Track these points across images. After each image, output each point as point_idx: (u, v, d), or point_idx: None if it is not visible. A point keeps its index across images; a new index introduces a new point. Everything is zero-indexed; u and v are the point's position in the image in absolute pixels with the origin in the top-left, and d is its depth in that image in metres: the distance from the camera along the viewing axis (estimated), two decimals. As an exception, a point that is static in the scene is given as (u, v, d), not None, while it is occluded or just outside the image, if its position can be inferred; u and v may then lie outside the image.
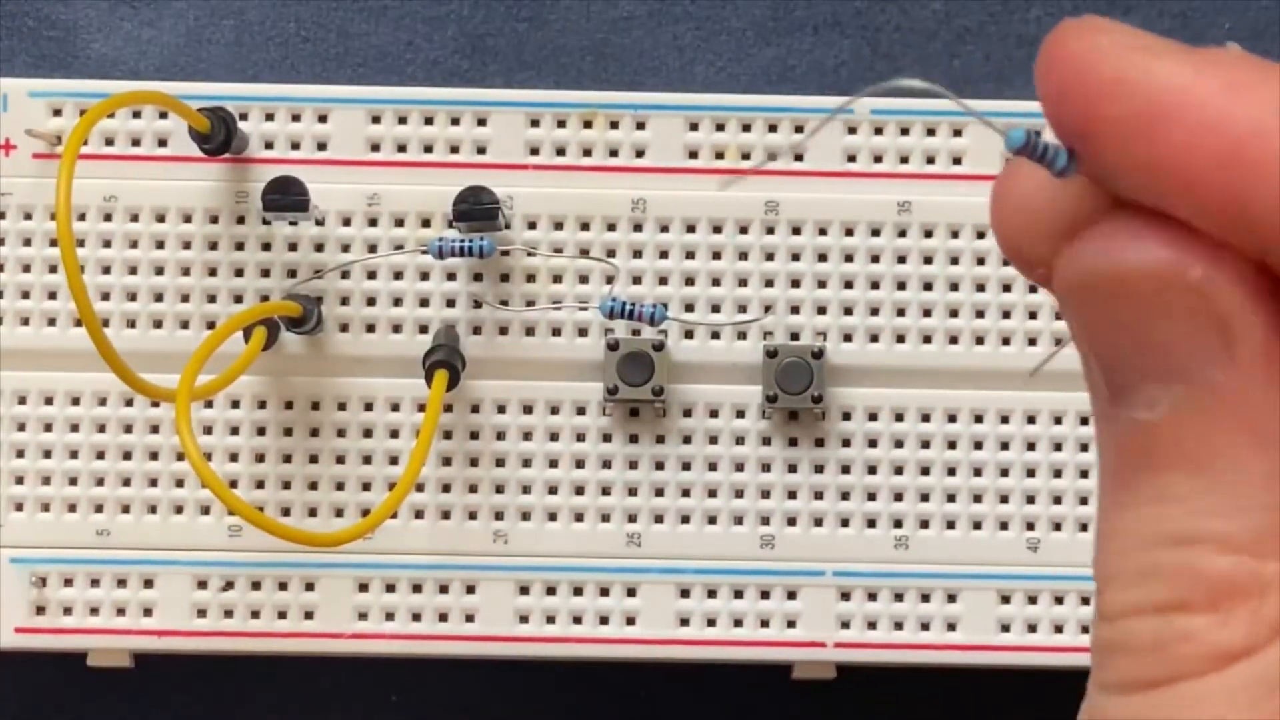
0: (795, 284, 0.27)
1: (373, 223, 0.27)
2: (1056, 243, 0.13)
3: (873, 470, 0.27)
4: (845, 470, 0.27)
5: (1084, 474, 0.27)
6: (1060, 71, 0.12)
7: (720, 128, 0.27)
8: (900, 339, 0.27)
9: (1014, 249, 0.13)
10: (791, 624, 0.26)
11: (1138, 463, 0.13)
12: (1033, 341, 0.27)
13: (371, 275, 0.27)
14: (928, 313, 0.27)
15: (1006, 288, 0.27)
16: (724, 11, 0.30)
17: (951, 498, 0.27)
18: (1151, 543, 0.12)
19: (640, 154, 0.27)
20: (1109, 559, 0.13)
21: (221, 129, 0.26)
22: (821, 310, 0.27)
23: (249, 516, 0.22)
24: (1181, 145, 0.12)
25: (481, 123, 0.27)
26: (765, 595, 0.26)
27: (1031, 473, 0.27)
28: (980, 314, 0.27)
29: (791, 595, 0.26)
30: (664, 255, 0.27)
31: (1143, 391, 0.12)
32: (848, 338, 0.27)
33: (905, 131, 0.27)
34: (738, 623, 0.26)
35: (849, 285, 0.27)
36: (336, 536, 0.24)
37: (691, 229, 0.27)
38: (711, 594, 0.26)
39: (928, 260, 0.27)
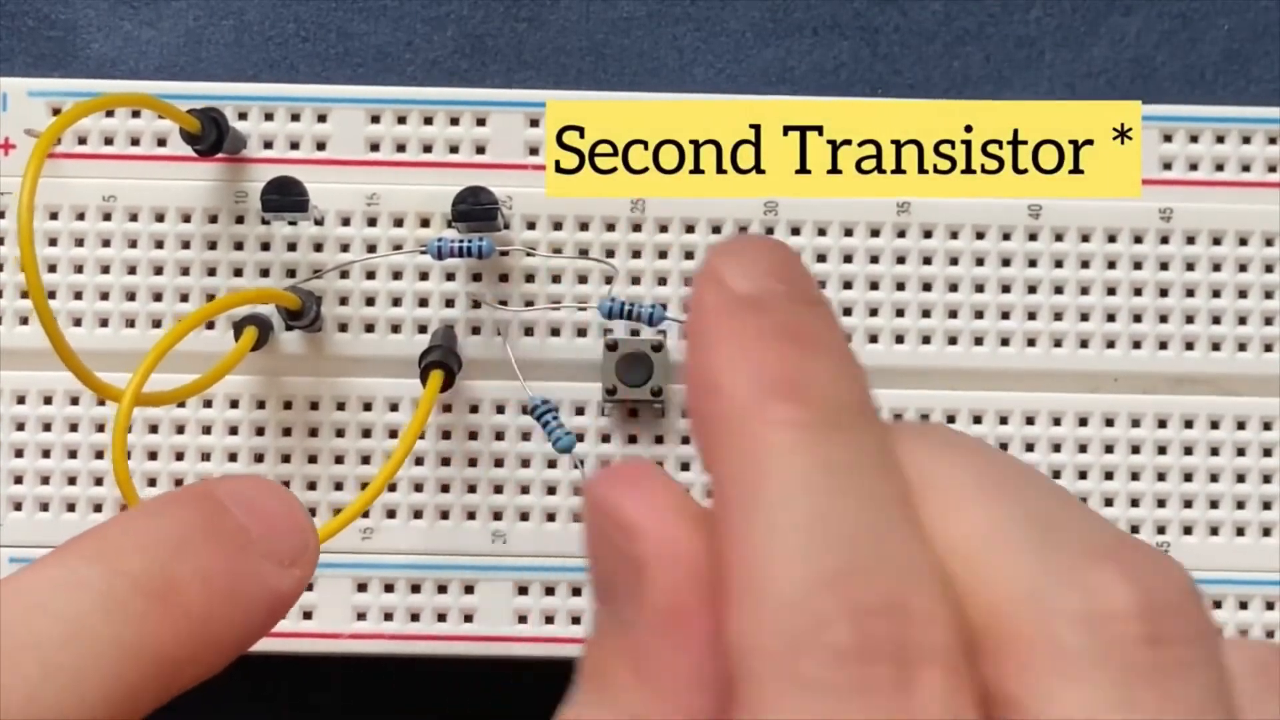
0: (794, 284, 0.27)
1: (372, 223, 0.27)
2: None
3: (872, 471, 0.26)
4: (844, 471, 0.27)
5: (1083, 475, 0.27)
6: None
7: (720, 128, 0.27)
8: (899, 340, 0.27)
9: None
10: (790, 625, 0.26)
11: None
12: (1031, 342, 0.27)
13: (370, 275, 0.27)
14: (927, 314, 0.27)
15: (1006, 288, 0.27)
16: (724, 12, 0.30)
17: (950, 499, 0.26)
18: None
19: (639, 154, 0.27)
20: None
21: (212, 129, 0.26)
22: (820, 311, 0.27)
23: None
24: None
25: (481, 123, 0.27)
26: (764, 596, 0.26)
27: (1031, 474, 0.26)
28: (979, 314, 0.27)
29: (790, 596, 0.26)
30: (663, 255, 0.27)
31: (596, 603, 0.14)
32: (847, 338, 0.27)
33: (905, 132, 0.27)
34: (736, 623, 0.26)
35: (848, 286, 0.27)
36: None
37: (691, 229, 0.27)
38: (710, 595, 0.26)
39: (927, 261, 0.27)
